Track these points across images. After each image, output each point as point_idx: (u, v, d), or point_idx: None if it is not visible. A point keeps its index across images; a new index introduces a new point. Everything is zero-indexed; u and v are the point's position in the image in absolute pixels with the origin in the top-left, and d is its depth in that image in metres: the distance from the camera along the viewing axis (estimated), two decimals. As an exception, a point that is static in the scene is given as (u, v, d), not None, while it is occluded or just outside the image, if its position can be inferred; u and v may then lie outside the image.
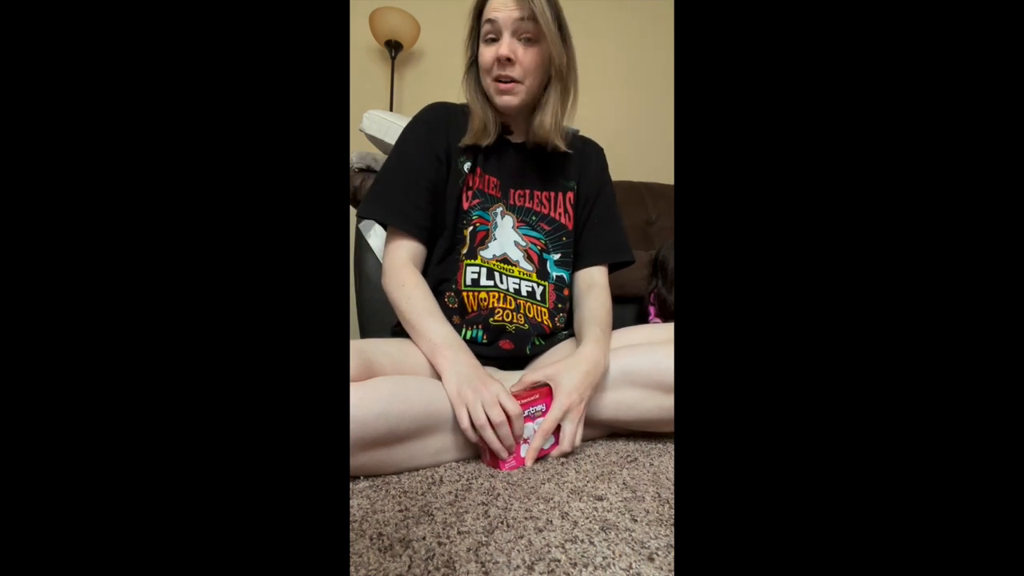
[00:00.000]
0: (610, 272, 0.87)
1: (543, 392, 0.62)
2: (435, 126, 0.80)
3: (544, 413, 0.61)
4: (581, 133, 0.91)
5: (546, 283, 0.80)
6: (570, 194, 0.85)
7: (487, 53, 0.76)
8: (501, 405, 0.57)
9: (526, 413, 0.59)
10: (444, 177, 0.78)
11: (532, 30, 0.73)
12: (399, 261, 0.74)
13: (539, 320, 0.79)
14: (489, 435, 0.56)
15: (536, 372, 0.65)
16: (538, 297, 0.79)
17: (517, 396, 0.60)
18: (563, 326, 0.83)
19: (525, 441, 0.59)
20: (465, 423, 0.57)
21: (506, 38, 0.73)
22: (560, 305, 0.82)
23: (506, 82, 0.75)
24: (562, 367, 0.64)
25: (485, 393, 0.58)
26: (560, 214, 0.83)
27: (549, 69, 0.77)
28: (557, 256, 0.82)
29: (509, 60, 0.73)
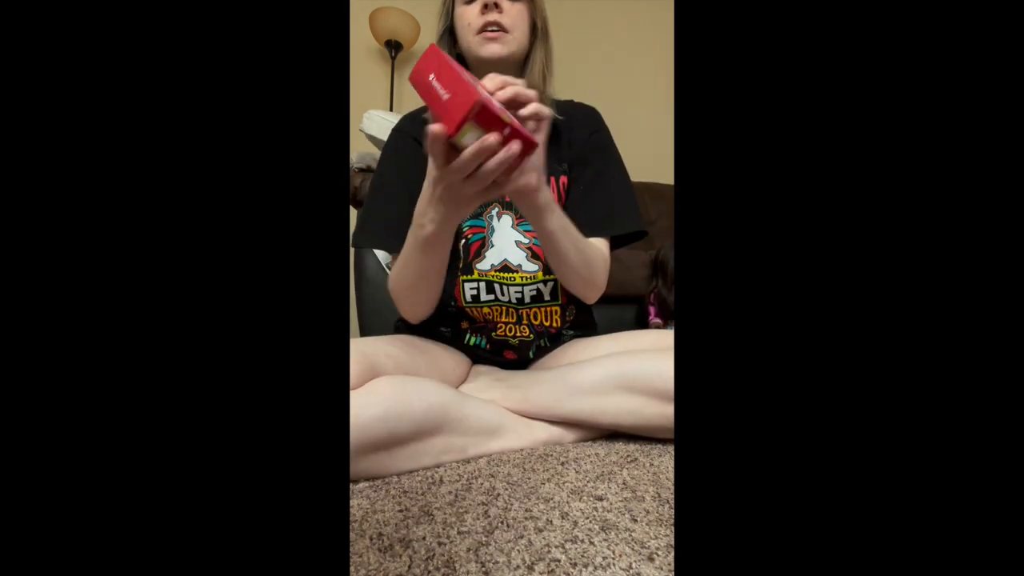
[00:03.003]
0: (620, 246, 0.80)
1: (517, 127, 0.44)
2: (408, 153, 0.76)
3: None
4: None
5: (554, 278, 0.77)
6: (563, 178, 0.79)
7: (468, 10, 0.73)
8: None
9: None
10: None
11: None
12: None
13: (546, 323, 0.78)
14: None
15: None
16: (547, 297, 0.77)
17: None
18: (571, 319, 0.82)
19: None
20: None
21: None
22: (570, 296, 0.79)
23: (494, 30, 0.72)
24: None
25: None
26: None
27: (533, 28, 0.75)
28: None
29: (497, 5, 0.71)
